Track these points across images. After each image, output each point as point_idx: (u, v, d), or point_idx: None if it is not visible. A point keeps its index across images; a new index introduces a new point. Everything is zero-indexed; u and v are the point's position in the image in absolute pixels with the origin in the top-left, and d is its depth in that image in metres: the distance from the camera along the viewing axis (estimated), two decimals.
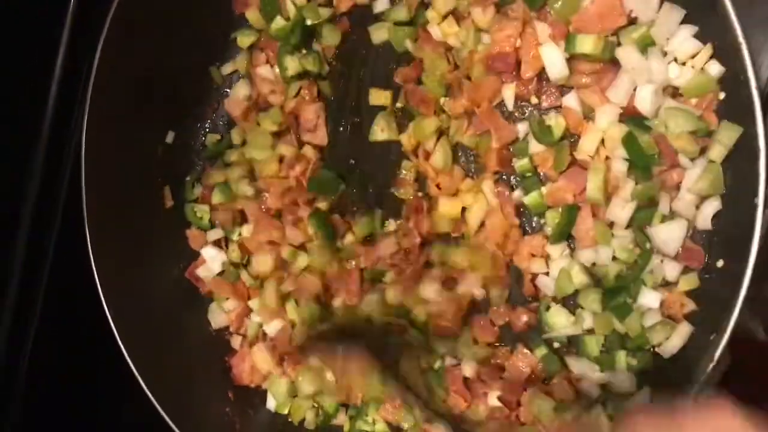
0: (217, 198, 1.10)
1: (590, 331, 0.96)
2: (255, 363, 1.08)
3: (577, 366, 0.96)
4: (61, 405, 1.13)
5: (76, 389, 1.13)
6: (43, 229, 1.11)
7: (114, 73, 1.00)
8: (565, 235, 0.96)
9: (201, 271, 1.12)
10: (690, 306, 0.90)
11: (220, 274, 1.11)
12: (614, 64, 0.94)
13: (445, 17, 1.01)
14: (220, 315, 1.12)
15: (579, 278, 0.94)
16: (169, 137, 1.12)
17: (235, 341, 1.12)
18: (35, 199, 1.10)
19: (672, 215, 0.91)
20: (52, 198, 1.11)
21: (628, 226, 0.93)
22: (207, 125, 1.15)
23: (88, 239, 0.99)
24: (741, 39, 0.76)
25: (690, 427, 0.58)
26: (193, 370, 1.08)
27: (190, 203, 1.13)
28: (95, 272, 0.99)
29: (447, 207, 1.01)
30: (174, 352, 1.07)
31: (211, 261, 1.11)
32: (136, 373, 0.98)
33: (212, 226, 1.13)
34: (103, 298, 0.99)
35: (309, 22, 1.07)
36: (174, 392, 1.00)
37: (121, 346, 0.98)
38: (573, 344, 0.97)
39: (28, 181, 1.10)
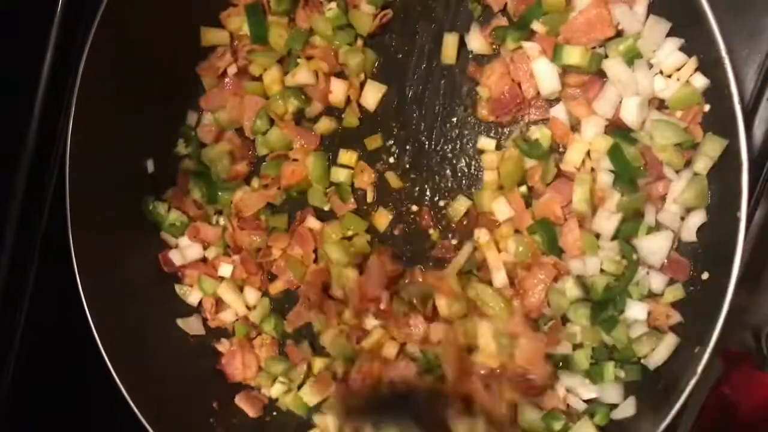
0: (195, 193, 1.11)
1: (579, 345, 0.96)
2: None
3: (569, 380, 0.96)
4: (46, 418, 1.12)
5: (61, 401, 1.12)
6: (28, 239, 1.10)
7: (100, 77, 1.00)
8: (555, 248, 0.95)
9: (173, 256, 1.11)
10: (675, 317, 0.90)
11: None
12: (601, 76, 0.94)
13: None
14: (195, 324, 1.12)
15: (573, 292, 0.94)
16: (152, 159, 1.12)
17: (223, 346, 1.12)
18: (20, 205, 1.09)
19: (657, 227, 0.91)
20: (38, 201, 1.10)
21: (614, 238, 0.93)
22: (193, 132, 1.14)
23: (72, 252, 0.99)
24: (724, 53, 0.77)
25: None
26: (178, 380, 1.07)
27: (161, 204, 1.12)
28: (79, 285, 0.99)
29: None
30: (158, 363, 1.06)
31: (186, 248, 1.10)
32: (120, 384, 0.97)
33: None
34: (87, 309, 0.99)
35: None
36: (158, 403, 1.00)
37: (105, 357, 0.97)
38: (565, 360, 0.97)
39: (14, 184, 1.09)
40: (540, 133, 0.97)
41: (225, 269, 1.10)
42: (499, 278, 0.98)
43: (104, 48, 0.99)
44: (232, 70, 1.10)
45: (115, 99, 1.03)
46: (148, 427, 0.96)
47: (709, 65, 0.83)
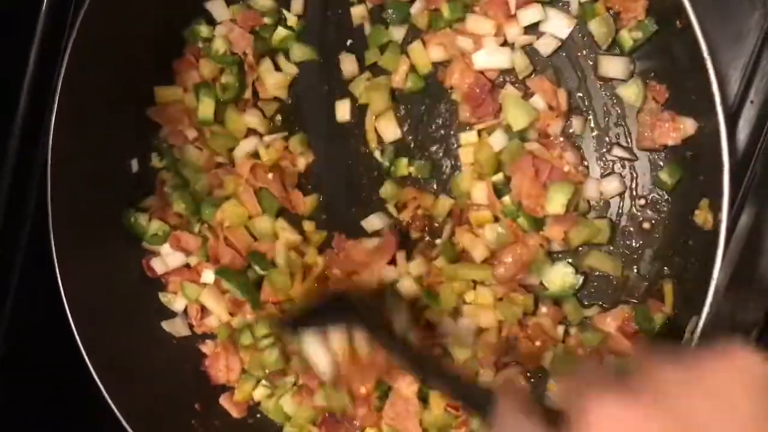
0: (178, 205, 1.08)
1: None
2: (209, 309, 1.08)
3: None
4: (25, 418, 1.11)
5: (43, 407, 1.12)
6: (12, 239, 1.10)
7: (83, 75, 0.99)
8: (538, 223, 0.95)
9: (155, 264, 1.10)
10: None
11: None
12: None
13: None
14: (180, 325, 1.11)
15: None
16: (135, 160, 1.11)
17: (207, 348, 1.11)
18: (4, 205, 1.09)
19: None
20: (22, 201, 1.09)
21: None
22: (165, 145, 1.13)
23: (54, 255, 0.99)
24: (706, 55, 0.77)
25: (703, 366, 0.48)
26: (160, 382, 1.07)
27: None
28: (61, 288, 0.98)
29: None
30: (141, 364, 1.06)
31: (167, 256, 1.09)
32: (102, 387, 0.97)
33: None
34: (69, 312, 0.98)
35: None
36: (139, 405, 0.99)
37: (88, 364, 0.97)
38: None
39: None
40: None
41: (208, 276, 1.09)
42: (479, 252, 0.97)
43: (87, 46, 0.98)
44: (191, 133, 1.09)
45: (98, 98, 1.02)
46: (128, 428, 0.96)
47: (692, 68, 0.83)
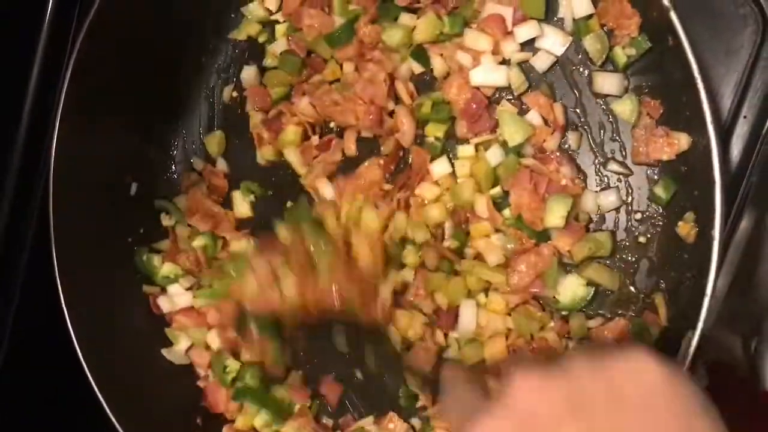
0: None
1: None
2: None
3: None
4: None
5: (43, 414, 1.12)
6: (14, 252, 1.11)
7: (84, 103, 1.01)
8: (542, 235, 0.95)
9: (162, 302, 1.10)
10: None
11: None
12: None
13: None
14: (179, 356, 1.11)
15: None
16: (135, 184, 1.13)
17: (204, 380, 1.11)
18: (7, 219, 1.10)
19: None
20: (23, 222, 1.11)
21: None
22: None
23: (57, 272, 1.00)
24: (697, 74, 0.78)
25: (608, 361, 0.59)
26: (161, 394, 1.07)
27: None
28: (64, 308, 0.99)
29: None
30: (142, 377, 1.07)
31: (175, 296, 1.09)
32: (102, 400, 0.97)
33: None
34: (71, 329, 0.99)
35: None
36: (139, 416, 1.00)
37: (89, 375, 0.98)
38: None
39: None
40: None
41: (213, 316, 1.08)
42: (495, 257, 0.97)
43: (88, 68, 1.00)
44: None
45: (101, 119, 1.03)
46: None
47: (685, 84, 0.84)
